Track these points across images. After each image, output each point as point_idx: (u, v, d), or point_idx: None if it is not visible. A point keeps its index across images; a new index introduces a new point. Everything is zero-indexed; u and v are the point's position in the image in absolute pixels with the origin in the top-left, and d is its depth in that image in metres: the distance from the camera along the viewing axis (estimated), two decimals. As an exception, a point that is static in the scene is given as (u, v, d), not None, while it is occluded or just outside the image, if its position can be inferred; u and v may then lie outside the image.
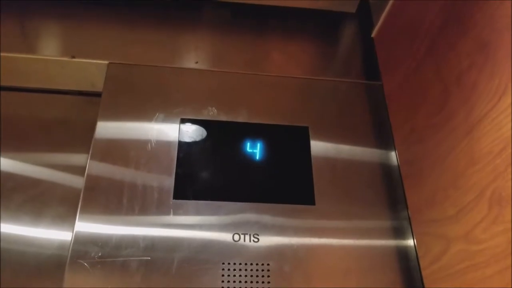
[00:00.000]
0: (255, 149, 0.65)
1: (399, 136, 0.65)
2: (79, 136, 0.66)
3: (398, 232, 0.61)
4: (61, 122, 0.68)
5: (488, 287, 0.42)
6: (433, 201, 0.54)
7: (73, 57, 0.69)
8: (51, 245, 0.59)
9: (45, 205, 0.61)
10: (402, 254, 0.60)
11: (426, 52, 0.58)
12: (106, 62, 0.69)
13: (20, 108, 0.69)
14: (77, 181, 0.63)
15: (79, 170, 0.62)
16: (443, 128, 0.53)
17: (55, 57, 0.70)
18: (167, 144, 0.64)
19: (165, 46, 0.75)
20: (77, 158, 0.65)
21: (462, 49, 0.50)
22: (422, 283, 0.55)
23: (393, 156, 0.67)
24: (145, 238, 0.57)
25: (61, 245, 0.58)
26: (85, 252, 0.55)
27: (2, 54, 0.67)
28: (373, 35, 0.78)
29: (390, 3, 0.71)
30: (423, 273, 0.55)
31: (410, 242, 0.60)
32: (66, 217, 0.60)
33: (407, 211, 0.61)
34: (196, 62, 0.74)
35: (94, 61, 0.69)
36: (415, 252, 0.59)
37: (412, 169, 0.61)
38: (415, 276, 0.58)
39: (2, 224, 0.59)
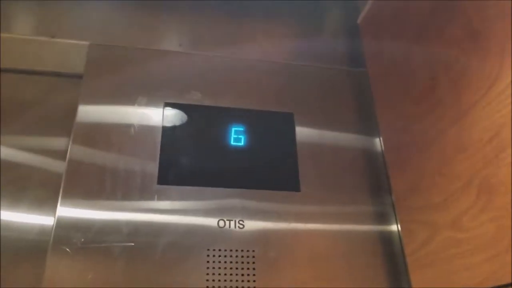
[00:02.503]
0: (240, 135, 0.65)
1: (385, 122, 0.65)
2: (58, 119, 0.63)
3: (382, 218, 0.62)
4: (39, 104, 0.65)
5: (475, 274, 0.43)
6: (419, 188, 0.54)
7: (53, 37, 0.66)
8: (31, 230, 0.57)
9: (24, 189, 0.59)
10: (386, 239, 0.60)
11: (414, 39, 0.58)
12: (87, 43, 0.67)
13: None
14: (56, 165, 0.60)
15: (58, 153, 0.60)
16: (430, 114, 0.53)
17: (33, 36, 0.67)
18: (150, 129, 0.62)
19: (148, 27, 0.73)
20: (56, 141, 0.63)
21: (451, 37, 0.50)
22: (406, 269, 0.55)
23: (377, 142, 0.67)
24: (128, 224, 0.55)
25: (42, 230, 0.56)
26: (68, 237, 0.53)
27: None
28: (358, 21, 0.77)
29: (377, -11, 0.70)
30: (408, 259, 0.55)
31: (394, 227, 0.61)
32: (46, 201, 0.58)
33: (391, 196, 0.62)
34: (180, 45, 0.72)
35: (75, 41, 0.67)
36: (398, 237, 0.59)
37: (397, 155, 0.61)
38: (399, 261, 0.58)
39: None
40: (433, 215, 0.51)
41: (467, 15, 0.47)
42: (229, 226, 0.57)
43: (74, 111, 0.61)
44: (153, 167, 0.59)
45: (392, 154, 0.63)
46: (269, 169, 0.63)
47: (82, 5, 0.72)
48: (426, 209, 0.52)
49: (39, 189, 0.59)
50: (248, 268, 0.55)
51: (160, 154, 0.60)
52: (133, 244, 0.54)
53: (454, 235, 0.46)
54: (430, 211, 0.51)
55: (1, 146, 0.60)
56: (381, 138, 0.66)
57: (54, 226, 0.54)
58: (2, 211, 0.56)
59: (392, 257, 0.59)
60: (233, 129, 0.65)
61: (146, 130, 0.62)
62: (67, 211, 0.55)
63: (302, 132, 0.66)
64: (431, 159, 0.52)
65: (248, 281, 0.54)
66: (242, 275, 0.55)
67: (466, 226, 0.45)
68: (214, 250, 0.56)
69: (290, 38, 0.79)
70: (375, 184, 0.64)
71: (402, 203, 0.59)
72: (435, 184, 0.51)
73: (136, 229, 0.55)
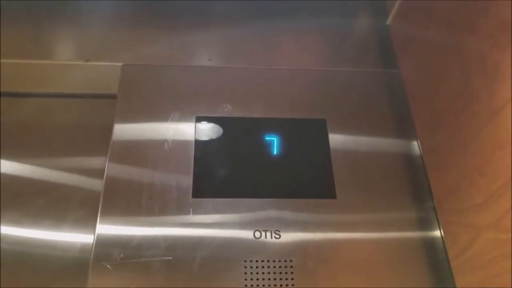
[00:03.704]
0: (272, 144, 0.64)
1: (421, 123, 0.63)
2: (96, 139, 0.66)
3: (424, 223, 0.59)
4: (78, 125, 0.68)
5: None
6: (459, 189, 0.52)
7: (87, 60, 0.69)
8: (73, 248, 0.58)
9: (66, 209, 0.61)
10: (429, 245, 0.58)
11: (445, 35, 0.56)
12: (120, 64, 0.69)
13: (36, 113, 0.69)
14: (96, 184, 0.62)
15: (97, 172, 0.62)
16: (465, 111, 0.51)
17: (69, 61, 0.70)
18: (183, 143, 0.63)
19: (177, 45, 0.75)
20: (95, 161, 0.65)
21: (483, 29, 0.48)
22: (452, 274, 0.53)
23: (415, 145, 0.65)
24: (166, 238, 0.56)
25: (83, 248, 0.58)
26: (108, 254, 0.55)
27: (15, 61, 0.68)
28: (388, 22, 0.76)
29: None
30: (452, 264, 0.53)
31: (437, 232, 0.58)
32: (87, 220, 0.60)
33: (432, 200, 0.59)
34: (209, 60, 0.73)
35: (108, 63, 0.69)
36: (442, 242, 0.57)
37: (435, 156, 0.59)
38: (444, 267, 0.56)
39: (23, 229, 0.59)
40: (475, 216, 0.48)
41: (497, 6, 0.46)
42: (265, 237, 0.57)
43: (110, 130, 0.63)
44: (188, 181, 0.60)
45: (430, 155, 0.61)
46: (303, 177, 0.62)
47: (113, 28, 0.75)
48: (467, 211, 0.50)
49: (80, 208, 0.60)
50: (286, 279, 0.55)
51: (194, 168, 0.61)
52: (171, 258, 0.55)
53: (497, 236, 0.44)
54: (471, 213, 0.49)
55: (42, 168, 0.63)
56: (418, 140, 0.64)
57: (94, 244, 0.55)
58: (45, 231, 0.59)
59: (436, 263, 0.57)
60: (265, 139, 0.65)
61: (179, 144, 0.63)
62: (106, 228, 0.57)
63: (336, 138, 0.65)
64: (470, 158, 0.50)
65: (287, 291, 0.54)
66: (281, 285, 0.54)
67: (509, 226, 0.42)
68: (251, 261, 0.55)
69: (319, 45, 0.78)
70: (415, 188, 0.62)
71: (442, 206, 0.56)
72: (475, 184, 0.49)
73: (173, 243, 0.56)
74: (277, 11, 0.80)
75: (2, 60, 0.69)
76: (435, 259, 0.57)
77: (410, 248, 0.58)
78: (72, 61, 0.70)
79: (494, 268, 0.45)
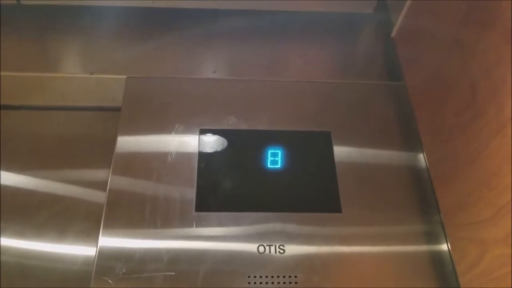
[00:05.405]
0: (277, 157, 0.64)
1: (427, 136, 0.62)
2: (101, 151, 0.65)
3: (431, 237, 0.58)
4: (82, 138, 0.68)
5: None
6: (467, 203, 0.51)
7: (92, 73, 0.69)
8: (76, 261, 0.58)
9: (69, 221, 0.60)
10: (436, 260, 0.57)
11: (451, 47, 0.56)
12: (124, 76, 0.69)
13: (40, 126, 0.69)
14: (99, 196, 0.62)
15: (101, 185, 0.62)
16: (472, 125, 0.50)
17: (73, 74, 0.70)
18: (187, 155, 0.63)
19: (182, 57, 0.75)
20: (98, 173, 0.65)
21: (488, 42, 0.48)
22: (459, 291, 0.52)
23: (421, 158, 0.64)
24: (168, 252, 0.56)
25: (86, 261, 0.58)
26: (110, 268, 0.54)
27: (22, 74, 0.68)
28: (392, 35, 0.76)
29: (408, 2, 0.69)
30: (461, 280, 0.52)
31: (444, 246, 0.57)
32: (90, 233, 0.59)
33: (439, 214, 0.58)
34: (214, 72, 0.73)
35: (112, 76, 0.70)
36: (449, 257, 0.56)
37: (442, 170, 0.58)
38: (452, 281, 0.55)
39: (26, 241, 0.59)
40: (483, 231, 0.47)
41: (503, 18, 0.45)
42: (270, 252, 0.56)
43: (113, 142, 0.63)
44: (191, 194, 0.60)
45: (436, 169, 0.60)
46: (308, 191, 0.62)
47: (118, 41, 0.75)
48: (475, 225, 0.49)
49: (82, 220, 0.60)
50: (291, 294, 0.54)
51: (197, 180, 0.61)
52: (173, 273, 0.54)
53: (508, 252, 0.43)
54: (479, 227, 0.48)
55: (45, 180, 0.63)
56: (424, 153, 0.64)
57: (96, 257, 0.55)
58: (48, 244, 0.58)
59: (443, 278, 0.55)
60: (269, 152, 0.64)
61: (183, 157, 0.63)
62: (109, 241, 0.56)
63: (341, 151, 0.65)
64: (478, 172, 0.49)
65: (292, 308, 0.53)
66: (285, 301, 0.53)
67: (519, 242, 0.41)
68: (255, 277, 0.54)
69: (324, 57, 0.78)
70: (421, 201, 0.61)
71: (450, 220, 0.55)
72: (483, 198, 0.48)
73: (176, 257, 0.55)
74: (281, 24, 0.80)
75: (7, 73, 0.69)
76: (442, 273, 0.56)
77: (417, 263, 0.57)
78: (77, 74, 0.71)
79: (504, 285, 0.44)
